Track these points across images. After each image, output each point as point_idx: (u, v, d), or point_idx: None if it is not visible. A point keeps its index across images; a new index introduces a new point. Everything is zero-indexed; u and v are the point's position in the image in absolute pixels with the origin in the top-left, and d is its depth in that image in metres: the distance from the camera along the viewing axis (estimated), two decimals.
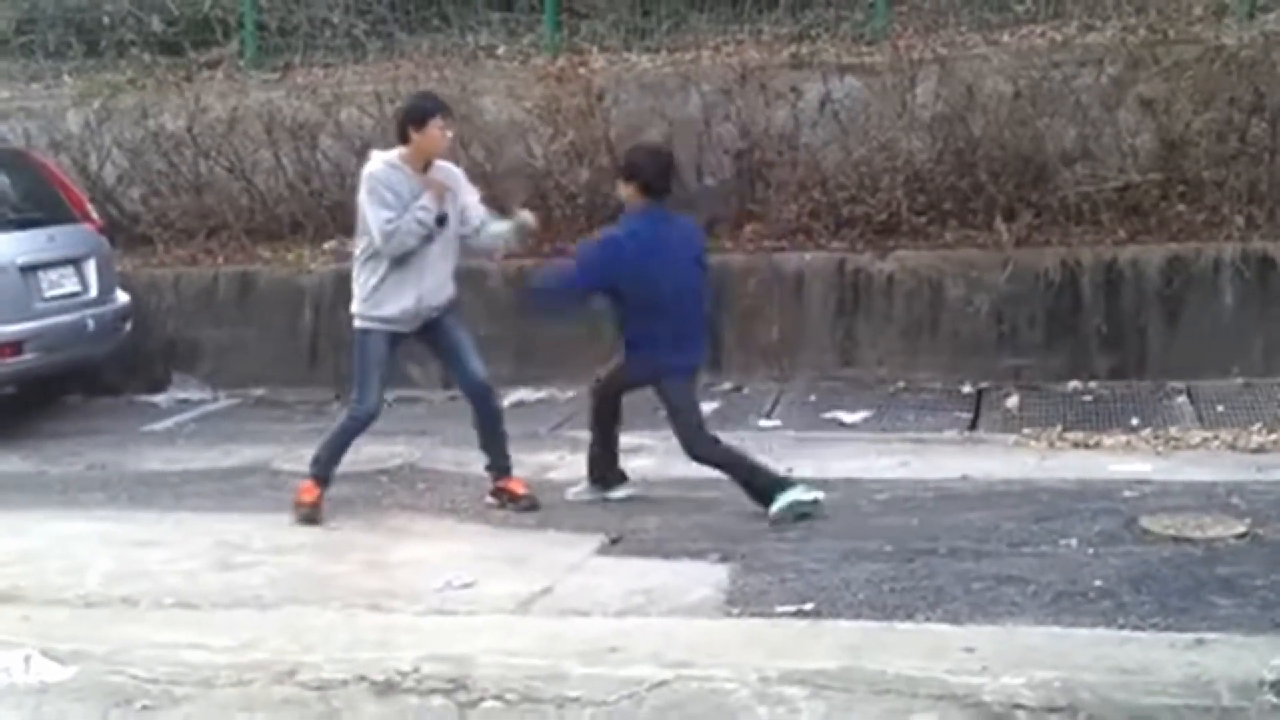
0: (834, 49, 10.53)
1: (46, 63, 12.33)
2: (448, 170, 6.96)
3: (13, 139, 11.08)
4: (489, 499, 7.01)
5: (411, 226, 6.70)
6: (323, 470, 6.94)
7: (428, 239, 6.75)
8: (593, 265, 6.66)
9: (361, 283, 6.86)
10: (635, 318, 6.65)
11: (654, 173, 6.69)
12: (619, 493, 7.00)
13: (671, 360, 6.67)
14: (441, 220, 6.79)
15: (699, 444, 6.69)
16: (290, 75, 11.44)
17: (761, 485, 6.56)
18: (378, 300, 6.80)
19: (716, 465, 6.68)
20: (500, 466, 7.06)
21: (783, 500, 6.46)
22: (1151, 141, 9.48)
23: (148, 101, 11.15)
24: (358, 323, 6.89)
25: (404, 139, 6.80)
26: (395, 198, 6.70)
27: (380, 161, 6.84)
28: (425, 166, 6.80)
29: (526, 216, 7.04)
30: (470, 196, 6.97)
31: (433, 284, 6.85)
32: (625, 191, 6.72)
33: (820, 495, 6.53)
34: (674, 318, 6.62)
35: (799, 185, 9.78)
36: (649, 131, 10.27)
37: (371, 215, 6.73)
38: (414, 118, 6.79)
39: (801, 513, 6.44)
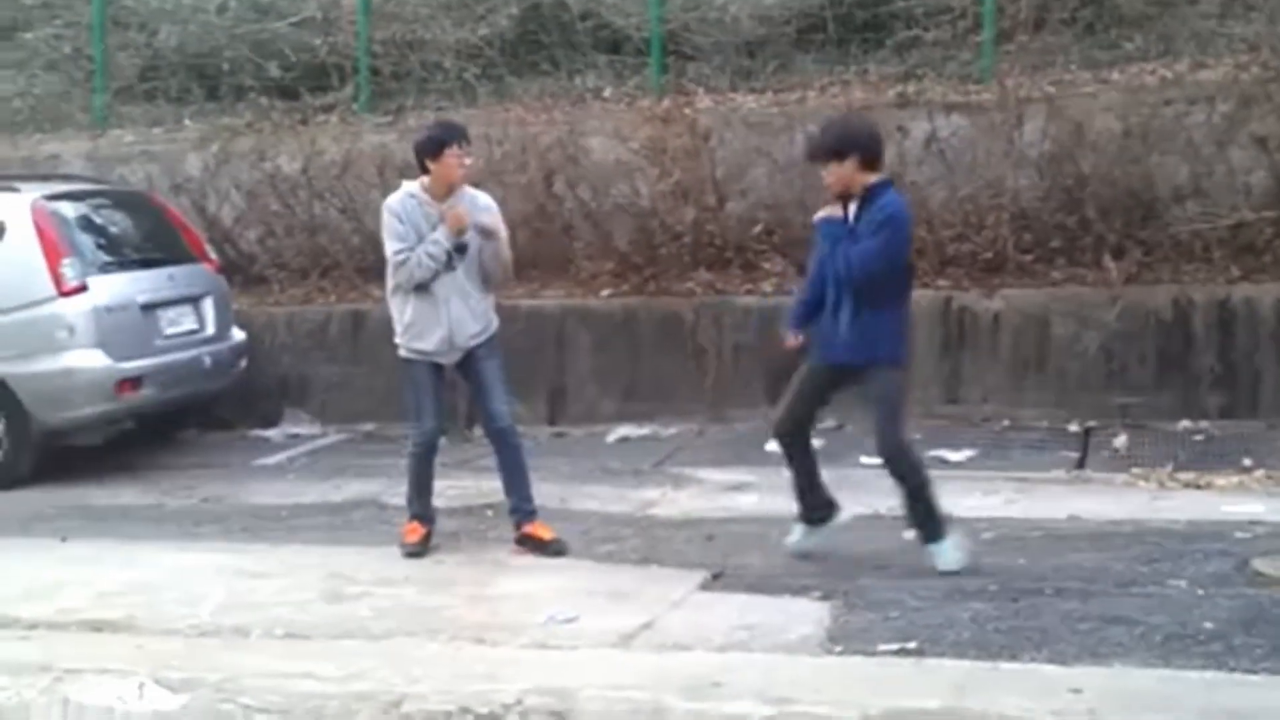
0: (940, 88, 10.49)
1: (168, 108, 12.64)
2: (474, 198, 6.89)
3: (135, 182, 11.40)
4: (514, 546, 6.91)
5: (422, 259, 6.69)
6: (416, 508, 7.01)
7: (449, 268, 6.74)
8: (901, 238, 6.22)
9: (396, 314, 6.91)
10: (901, 300, 6.34)
11: (873, 143, 6.26)
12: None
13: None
14: (461, 249, 6.76)
15: (903, 443, 6.34)
16: (402, 118, 11.62)
17: (928, 516, 6.31)
18: (415, 332, 6.84)
19: (901, 471, 6.30)
20: (523, 510, 6.93)
21: (948, 554, 6.26)
22: (1265, 179, 9.34)
23: (264, 145, 11.42)
24: (400, 353, 6.93)
25: (424, 169, 6.79)
26: (409, 229, 6.71)
27: (400, 192, 6.86)
28: (447, 194, 6.78)
29: (483, 218, 6.80)
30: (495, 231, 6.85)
31: (462, 312, 6.81)
32: (841, 172, 6.16)
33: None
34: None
35: None
36: (754, 172, 10.33)
37: (386, 246, 6.80)
38: (429, 149, 6.76)
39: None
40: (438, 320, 6.80)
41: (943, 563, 6.23)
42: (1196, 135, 9.49)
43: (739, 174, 10.32)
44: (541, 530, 6.91)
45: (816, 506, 6.59)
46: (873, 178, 6.22)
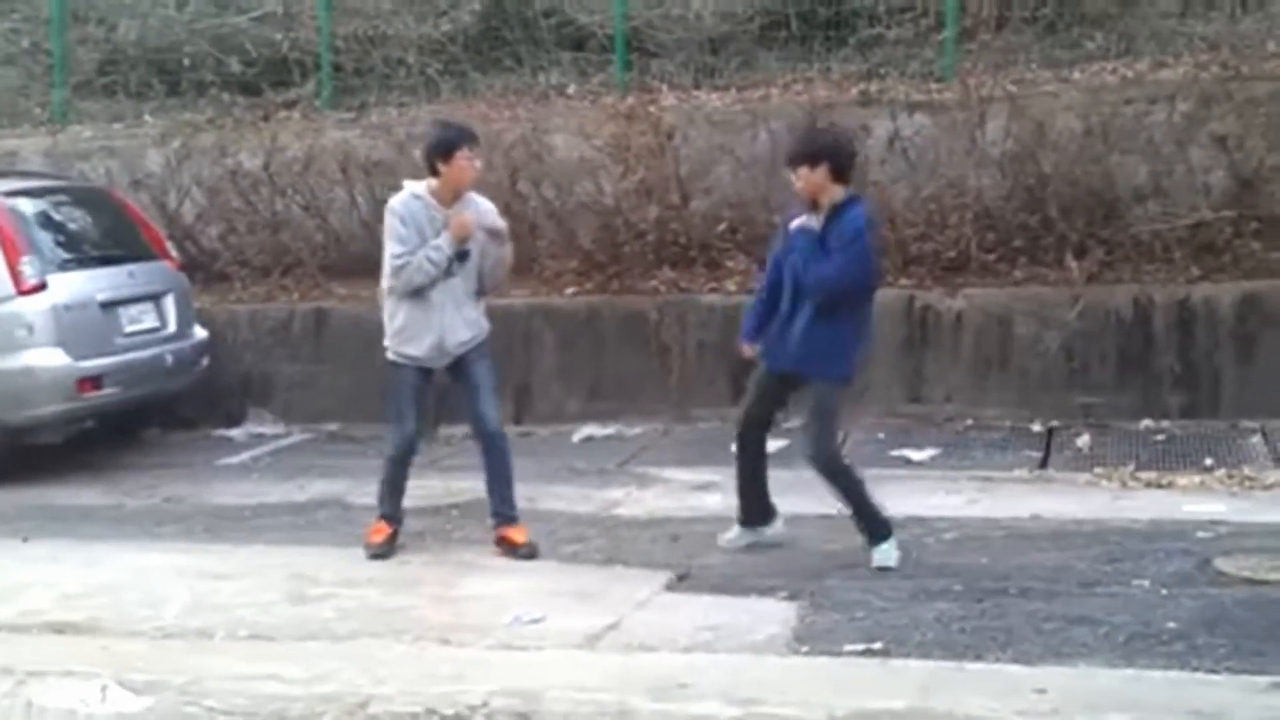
0: (903, 87, 10.53)
1: (128, 103, 12.56)
2: (477, 205, 6.79)
3: (95, 178, 11.30)
4: (494, 548, 6.88)
5: (422, 264, 6.59)
6: (386, 508, 6.96)
7: (447, 274, 6.67)
8: (869, 254, 6.33)
9: (389, 317, 6.83)
10: (856, 315, 6.38)
11: (846, 155, 6.41)
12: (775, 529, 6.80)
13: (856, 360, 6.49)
14: (463, 256, 6.69)
15: (835, 454, 6.49)
16: (365, 115, 11.59)
17: (870, 520, 6.41)
18: (405, 337, 6.76)
19: (838, 482, 6.42)
20: (503, 515, 6.90)
21: (888, 552, 6.35)
22: (1224, 178, 9.43)
23: (226, 141, 11.34)
24: (388, 355, 6.87)
25: (433, 171, 6.67)
26: (413, 232, 6.60)
27: (406, 193, 6.74)
28: (455, 197, 6.70)
29: (493, 221, 6.76)
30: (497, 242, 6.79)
31: (455, 319, 6.74)
32: (812, 179, 6.27)
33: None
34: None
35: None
36: (717, 170, 10.35)
37: (386, 248, 6.70)
38: (440, 150, 6.65)
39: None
40: (429, 326, 6.72)
41: (879, 559, 6.32)
42: (1157, 134, 9.57)
43: (703, 172, 10.33)
44: (515, 534, 6.87)
45: (755, 509, 6.71)
46: (841, 190, 6.32)
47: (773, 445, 8.65)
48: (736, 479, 6.71)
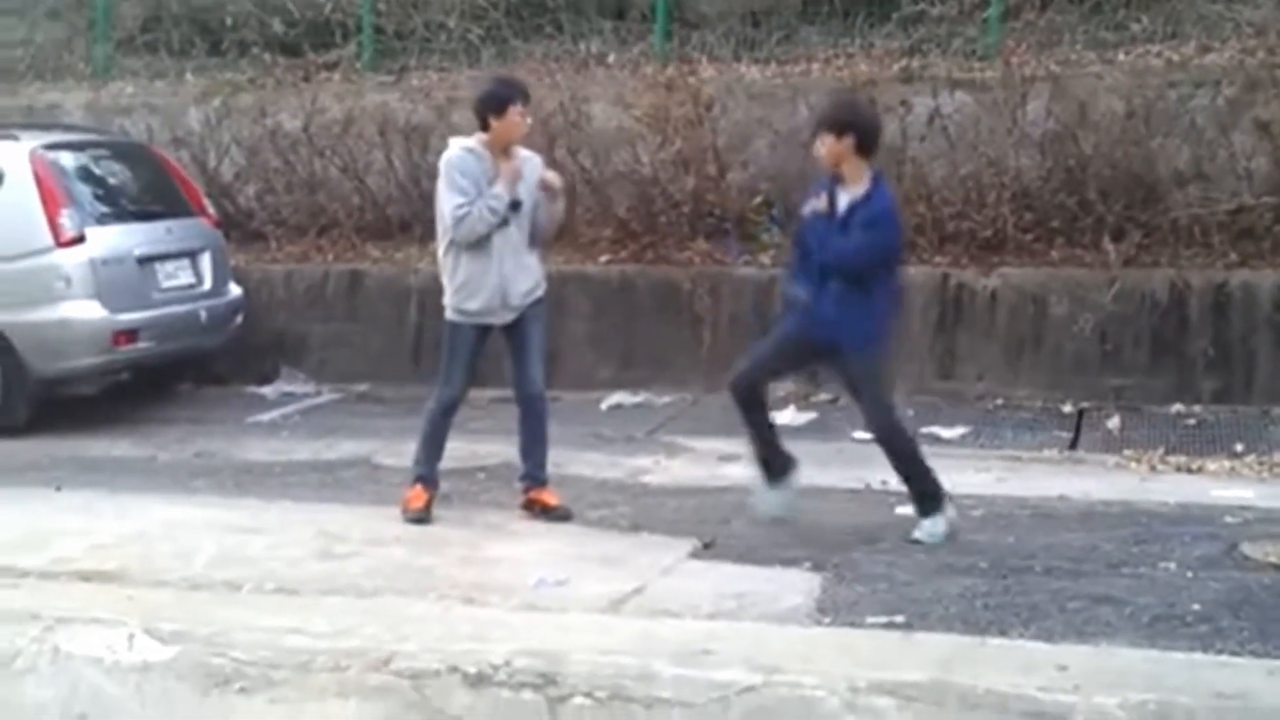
0: (945, 64, 10.48)
1: (170, 61, 12.61)
2: (526, 157, 6.88)
3: (135, 134, 11.36)
4: (519, 510, 6.93)
5: (483, 213, 6.65)
6: (423, 469, 6.96)
7: (503, 223, 6.72)
8: (894, 230, 6.38)
9: (449, 274, 6.84)
10: (887, 286, 6.40)
11: (873, 129, 6.42)
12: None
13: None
14: (515, 205, 6.74)
15: (896, 420, 6.48)
16: (405, 78, 11.62)
17: (924, 489, 6.40)
18: (467, 291, 6.77)
19: (896, 447, 6.41)
20: (535, 477, 6.95)
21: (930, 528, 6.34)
22: (1267, 165, 9.35)
23: (266, 101, 11.40)
24: (447, 315, 6.87)
25: (484, 125, 6.74)
26: (470, 184, 6.67)
27: (457, 147, 6.81)
28: (504, 152, 6.76)
29: (549, 176, 6.89)
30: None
31: (514, 267, 6.77)
32: (836, 148, 6.27)
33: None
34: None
35: (904, 199, 9.70)
36: (756, 142, 10.32)
37: (445, 201, 6.74)
38: (493, 105, 6.71)
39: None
40: (492, 276, 6.74)
41: (921, 533, 6.31)
42: (1200, 119, 9.50)
43: (741, 144, 10.32)
44: (548, 496, 6.92)
45: (778, 461, 6.61)
46: (864, 165, 6.31)
47: (803, 418, 8.77)
48: (754, 439, 6.61)
